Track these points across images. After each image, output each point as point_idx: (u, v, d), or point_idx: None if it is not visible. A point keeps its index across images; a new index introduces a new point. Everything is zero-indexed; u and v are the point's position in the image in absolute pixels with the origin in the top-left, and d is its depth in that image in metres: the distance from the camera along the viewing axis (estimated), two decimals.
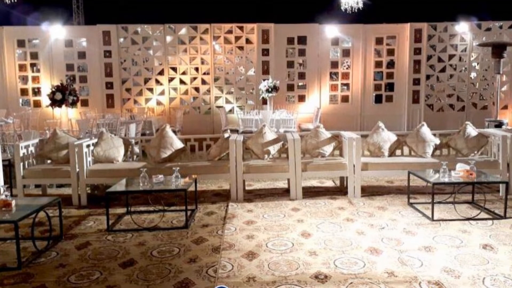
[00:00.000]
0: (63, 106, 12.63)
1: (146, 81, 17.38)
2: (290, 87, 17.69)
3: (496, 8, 18.46)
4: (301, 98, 17.69)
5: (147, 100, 17.37)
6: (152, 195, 7.86)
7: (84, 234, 6.49)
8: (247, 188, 9.03)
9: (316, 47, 17.39)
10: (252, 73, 17.63)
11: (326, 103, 17.60)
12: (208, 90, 17.44)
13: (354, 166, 8.26)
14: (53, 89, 12.49)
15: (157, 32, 17.26)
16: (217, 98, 17.52)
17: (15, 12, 21.38)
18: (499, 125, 12.77)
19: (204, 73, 17.42)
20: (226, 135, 8.72)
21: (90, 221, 7.14)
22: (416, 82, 17.56)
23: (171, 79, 17.28)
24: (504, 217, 6.89)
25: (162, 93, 17.34)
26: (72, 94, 12.58)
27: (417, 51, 17.42)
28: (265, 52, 17.27)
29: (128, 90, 17.35)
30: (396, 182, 9.48)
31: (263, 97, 15.47)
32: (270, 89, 14.68)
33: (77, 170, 8.13)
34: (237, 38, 17.31)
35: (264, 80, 15.29)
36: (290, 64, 17.64)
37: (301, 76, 17.70)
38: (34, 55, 17.12)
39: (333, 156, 8.85)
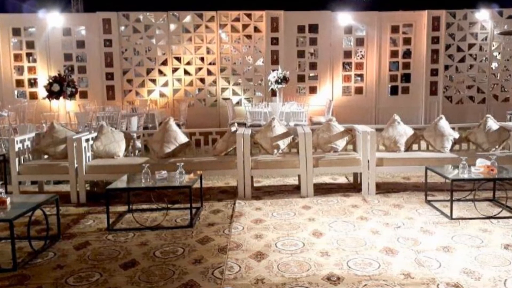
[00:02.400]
0: (61, 98, 12.66)
1: (149, 71, 17.40)
2: (301, 78, 17.67)
3: None
4: (313, 90, 17.68)
5: (149, 92, 17.40)
6: (155, 192, 7.85)
7: (83, 234, 6.50)
8: (255, 184, 9.02)
9: (328, 35, 17.36)
10: (260, 63, 17.63)
11: (338, 95, 17.58)
12: (214, 81, 17.45)
13: (368, 161, 8.23)
14: (50, 80, 12.52)
15: (160, 20, 17.27)
16: (223, 89, 17.52)
17: None
18: None
19: (210, 63, 17.42)
20: (233, 128, 8.70)
21: (90, 220, 7.14)
22: (434, 72, 17.50)
23: (175, 70, 17.30)
24: None
25: (165, 84, 17.36)
26: (71, 85, 12.60)
27: (435, 40, 17.36)
28: (274, 41, 17.25)
29: (129, 81, 17.38)
30: (412, 178, 9.45)
31: (272, 89, 15.45)
32: (279, 80, 14.65)
33: (76, 166, 8.13)
34: (245, 26, 17.30)
35: (273, 70, 15.26)
36: (301, 54, 17.63)
37: (313, 66, 17.68)
38: (30, 44, 17.17)
39: (346, 151, 8.83)
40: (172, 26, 17.26)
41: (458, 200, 7.53)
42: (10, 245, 5.32)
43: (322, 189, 8.70)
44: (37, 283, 4.90)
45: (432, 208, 7.29)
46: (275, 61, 17.16)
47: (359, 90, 17.82)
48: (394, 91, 17.97)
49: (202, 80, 17.46)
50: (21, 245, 5.87)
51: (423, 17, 17.30)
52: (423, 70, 17.49)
